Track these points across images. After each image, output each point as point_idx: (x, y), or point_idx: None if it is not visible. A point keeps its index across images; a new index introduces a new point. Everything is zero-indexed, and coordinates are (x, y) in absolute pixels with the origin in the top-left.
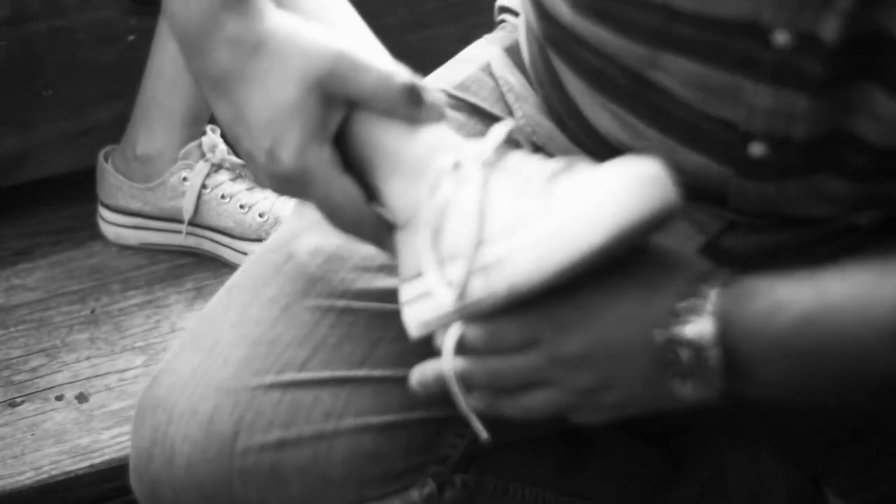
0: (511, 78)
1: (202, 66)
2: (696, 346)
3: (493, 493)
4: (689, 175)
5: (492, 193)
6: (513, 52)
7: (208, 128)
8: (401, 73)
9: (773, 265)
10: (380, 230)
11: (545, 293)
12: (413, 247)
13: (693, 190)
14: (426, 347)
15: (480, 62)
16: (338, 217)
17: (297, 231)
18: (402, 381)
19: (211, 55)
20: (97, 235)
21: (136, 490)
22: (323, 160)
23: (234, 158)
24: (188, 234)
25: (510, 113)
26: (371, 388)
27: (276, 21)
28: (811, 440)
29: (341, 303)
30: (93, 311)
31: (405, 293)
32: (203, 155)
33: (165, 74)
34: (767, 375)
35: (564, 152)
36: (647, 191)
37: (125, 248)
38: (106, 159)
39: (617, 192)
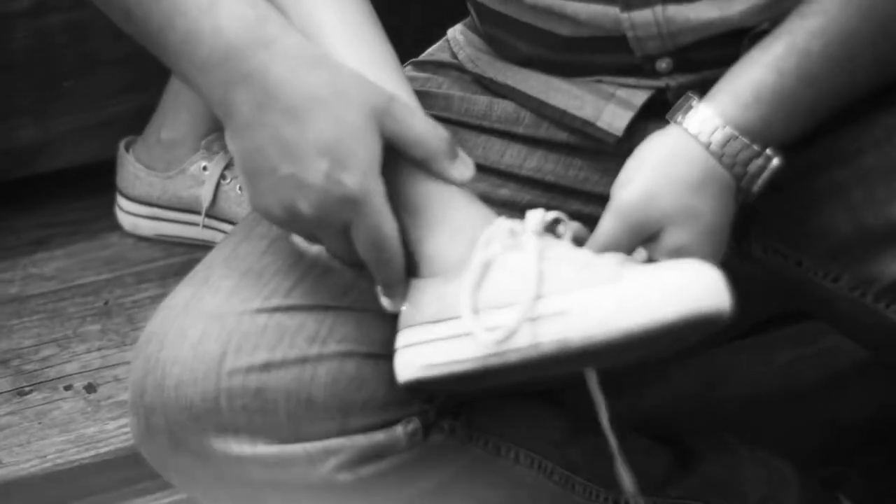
0: (459, 36)
1: (243, 88)
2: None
3: (485, 447)
4: (588, 25)
5: (550, 260)
6: (469, 23)
7: None
8: (442, 128)
9: None
10: (403, 273)
11: (581, 360)
12: (440, 293)
13: (600, 44)
14: None
15: (444, 38)
16: (377, 250)
17: None
18: (385, 315)
19: (260, 70)
20: (114, 227)
21: (133, 431)
22: (381, 189)
23: None
24: (204, 226)
25: (455, 58)
26: (354, 318)
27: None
28: (827, 446)
29: None
30: (106, 303)
31: (410, 337)
32: (224, 146)
33: None
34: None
35: (502, 73)
36: (716, 290)
37: (141, 240)
38: (126, 149)
39: (692, 281)
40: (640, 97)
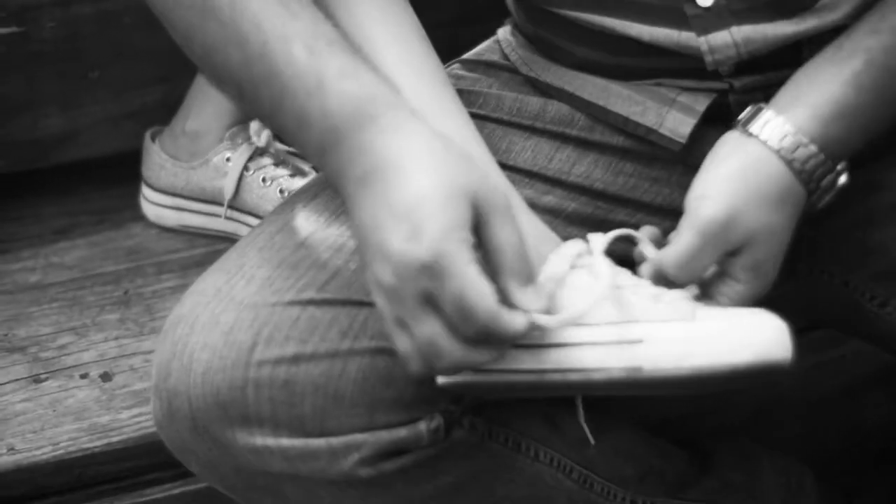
0: (510, 37)
1: (352, 166)
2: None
3: (506, 444)
4: (659, 42)
5: (621, 288)
6: (516, 23)
7: None
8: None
9: None
10: (514, 327)
11: (640, 388)
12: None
13: (660, 49)
14: None
15: (493, 37)
16: (467, 319)
17: None
18: None
19: (366, 147)
20: (137, 217)
21: (155, 414)
22: (464, 250)
23: (279, 145)
24: (227, 218)
25: (507, 59)
26: None
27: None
28: (849, 453)
29: None
30: (126, 293)
31: None
32: (249, 138)
33: None
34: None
35: (558, 77)
36: (783, 342)
37: (164, 230)
38: (153, 139)
39: (763, 331)
40: (702, 102)
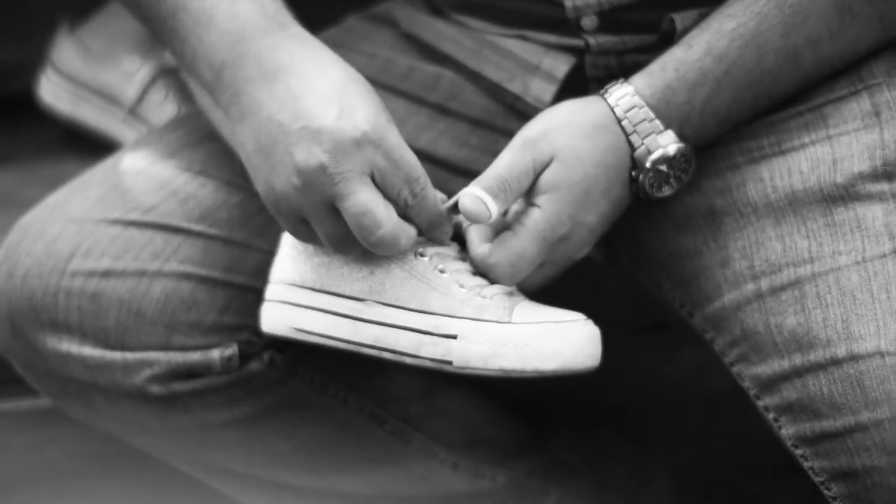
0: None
1: (254, 63)
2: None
3: (311, 384)
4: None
5: (444, 275)
6: None
7: None
8: None
9: None
10: (441, 208)
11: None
12: (325, 262)
13: (536, 3)
14: (261, 218)
15: None
16: (411, 185)
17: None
18: (232, 244)
19: (273, 47)
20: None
21: None
22: (395, 129)
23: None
24: (123, 121)
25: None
26: (202, 243)
27: None
28: (756, 463)
29: (198, 167)
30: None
31: (286, 294)
32: (165, 53)
33: None
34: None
35: (435, 35)
36: (590, 349)
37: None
38: (71, 29)
39: (572, 340)
40: (561, 69)
